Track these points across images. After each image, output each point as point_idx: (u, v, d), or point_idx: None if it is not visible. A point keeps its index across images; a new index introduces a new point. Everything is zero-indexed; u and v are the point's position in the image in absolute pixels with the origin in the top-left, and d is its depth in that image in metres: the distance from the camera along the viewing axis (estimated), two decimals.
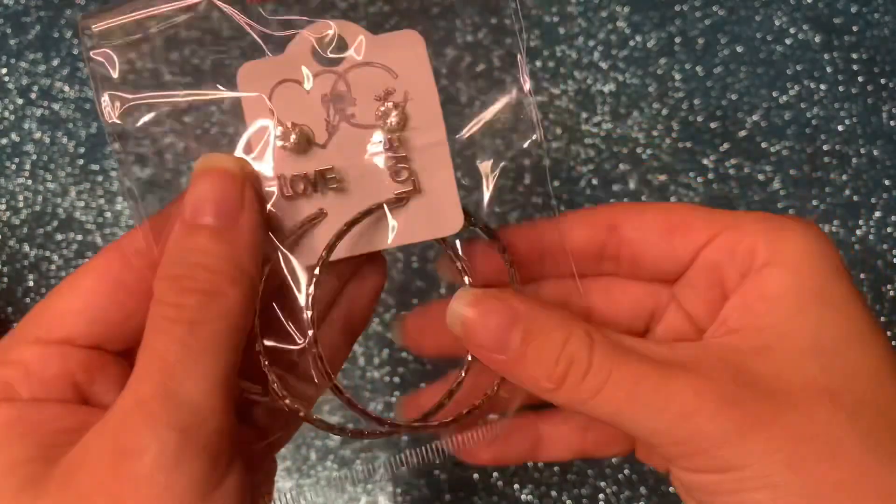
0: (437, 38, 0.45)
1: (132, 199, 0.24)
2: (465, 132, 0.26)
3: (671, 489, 0.41)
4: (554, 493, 0.42)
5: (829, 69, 0.47)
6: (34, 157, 0.45)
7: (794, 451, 0.19)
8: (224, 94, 0.25)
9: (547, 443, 0.27)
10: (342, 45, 0.25)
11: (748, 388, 0.20)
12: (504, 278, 0.26)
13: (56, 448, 0.18)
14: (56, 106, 0.46)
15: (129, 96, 0.24)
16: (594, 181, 0.45)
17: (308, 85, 0.24)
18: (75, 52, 0.46)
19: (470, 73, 0.44)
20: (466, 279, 0.25)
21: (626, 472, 0.42)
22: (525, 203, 0.45)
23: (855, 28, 0.47)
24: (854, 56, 0.47)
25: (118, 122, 0.24)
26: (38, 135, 0.45)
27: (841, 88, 0.47)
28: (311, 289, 0.23)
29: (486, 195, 0.27)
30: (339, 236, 0.23)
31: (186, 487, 0.17)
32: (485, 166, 0.26)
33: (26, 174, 0.45)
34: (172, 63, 0.26)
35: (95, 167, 0.45)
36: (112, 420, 0.18)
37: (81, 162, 0.45)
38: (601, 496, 0.42)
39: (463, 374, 0.26)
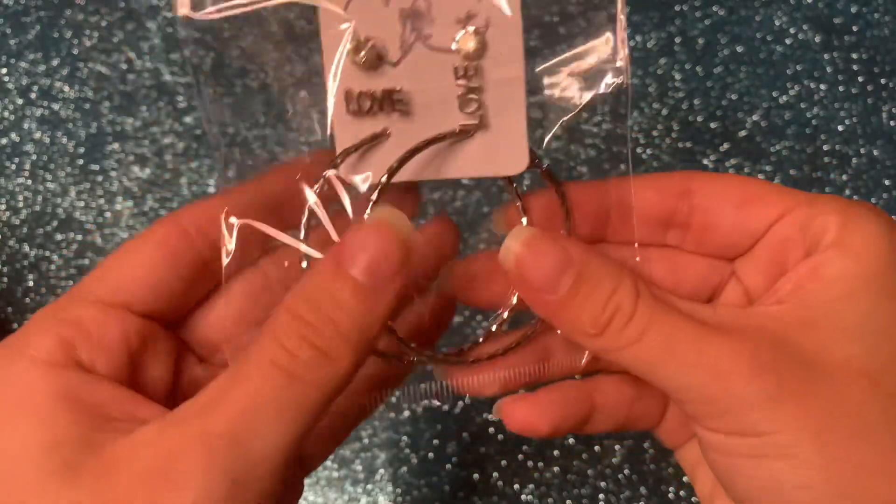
0: None
1: (215, 147, 0.23)
2: (545, 66, 0.25)
3: (671, 489, 0.42)
4: (554, 494, 0.42)
5: (829, 69, 0.47)
6: (34, 157, 0.45)
7: (824, 426, 0.19)
8: None
9: (599, 413, 0.27)
10: None
11: (787, 357, 0.20)
12: (559, 229, 0.25)
13: (101, 433, 0.17)
14: (56, 106, 0.46)
15: None
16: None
17: None
18: (75, 51, 0.46)
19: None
20: (524, 219, 0.25)
21: (626, 472, 0.42)
22: (596, 157, 0.44)
23: (855, 28, 0.47)
24: (854, 56, 0.47)
25: (191, 15, 0.23)
26: (37, 135, 0.45)
27: (841, 88, 0.47)
28: (369, 212, 0.22)
29: (549, 136, 0.25)
30: (402, 161, 0.23)
31: None
32: (560, 105, 0.25)
33: (26, 174, 0.45)
34: None
35: (95, 167, 0.45)
36: (170, 438, 0.17)
37: (81, 162, 0.45)
38: (601, 496, 0.42)
39: (505, 317, 0.26)
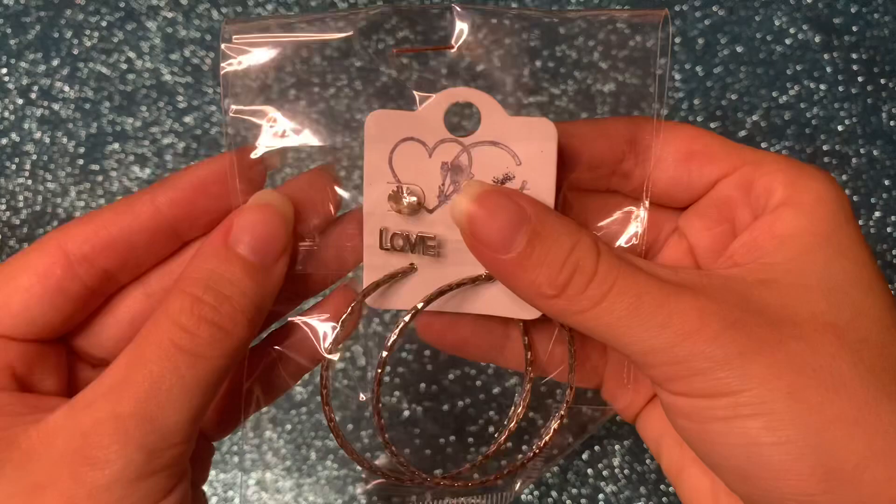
0: (435, 39, 0.45)
1: None
2: None
3: (671, 489, 0.41)
4: (554, 494, 0.42)
5: (828, 69, 0.47)
6: (34, 156, 0.45)
7: (796, 380, 0.19)
8: (351, 141, 0.26)
9: (509, 350, 0.27)
10: (475, 117, 0.24)
11: (753, 315, 0.20)
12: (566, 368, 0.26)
13: (11, 430, 0.18)
14: (56, 106, 0.46)
15: (259, 117, 0.24)
16: None
17: (430, 149, 0.24)
18: (75, 52, 0.46)
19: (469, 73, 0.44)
20: (528, 354, 0.27)
21: (626, 471, 0.42)
22: None
23: (855, 28, 0.47)
24: (854, 56, 0.47)
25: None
26: (38, 135, 0.45)
27: (841, 88, 0.47)
28: (388, 347, 0.25)
29: None
30: (429, 301, 0.24)
31: (140, 499, 0.18)
32: None
33: (26, 174, 0.45)
34: (305, 92, 0.25)
35: (95, 167, 0.45)
36: (83, 421, 0.18)
37: (81, 162, 0.45)
38: (601, 496, 0.42)
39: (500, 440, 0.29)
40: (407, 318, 0.25)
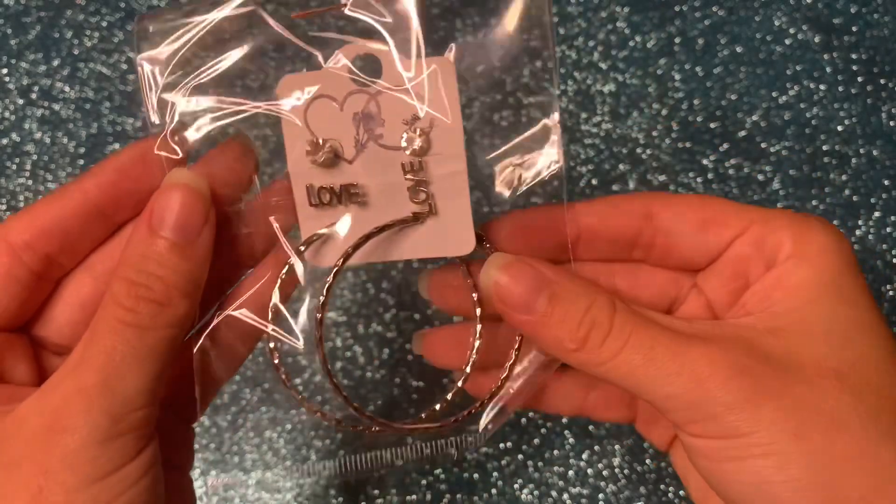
0: (436, 38, 0.45)
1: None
2: (490, 155, 0.27)
3: (671, 489, 0.42)
4: (554, 494, 0.42)
5: (828, 69, 0.47)
6: (35, 157, 0.45)
7: (802, 423, 0.21)
8: (264, 105, 0.26)
9: (550, 394, 0.29)
10: (376, 67, 0.25)
11: (761, 362, 0.22)
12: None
13: None
14: (56, 106, 0.46)
15: (177, 99, 0.25)
16: (594, 181, 0.45)
17: (341, 102, 0.25)
18: (76, 52, 0.46)
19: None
20: (474, 295, 0.27)
21: (626, 471, 0.42)
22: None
23: (854, 28, 0.47)
24: (853, 56, 0.47)
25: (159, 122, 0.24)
26: (38, 135, 0.45)
27: (840, 88, 0.47)
28: (324, 292, 0.26)
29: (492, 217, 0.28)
30: (356, 247, 0.25)
31: (108, 460, 0.19)
32: (503, 189, 0.28)
33: (27, 174, 0.45)
34: (215, 68, 0.26)
35: None
36: (52, 400, 0.20)
37: (82, 162, 0.45)
38: (601, 496, 0.42)
39: (458, 385, 0.28)
40: (340, 262, 0.25)
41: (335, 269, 0.26)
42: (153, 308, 0.20)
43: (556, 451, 0.42)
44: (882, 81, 0.47)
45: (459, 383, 0.28)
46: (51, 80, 0.46)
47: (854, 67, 0.47)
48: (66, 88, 0.46)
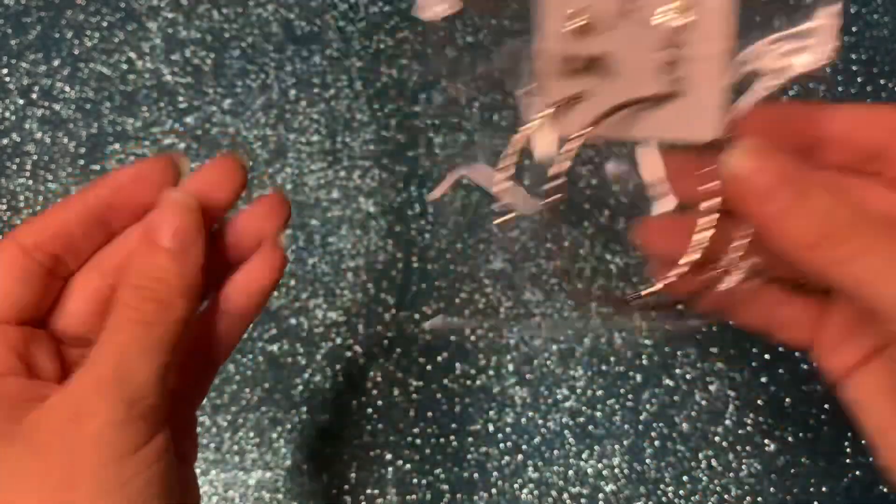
0: (435, 39, 0.45)
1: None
2: (754, 46, 0.26)
3: (670, 489, 0.42)
4: (554, 493, 0.42)
5: (827, 69, 0.47)
6: (35, 157, 0.45)
7: None
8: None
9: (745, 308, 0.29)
10: None
11: None
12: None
13: (19, 410, 0.22)
14: (57, 106, 0.46)
15: None
16: (593, 181, 0.45)
17: None
18: (76, 52, 0.46)
19: (469, 73, 0.45)
20: (714, 183, 0.26)
21: (626, 471, 0.42)
22: None
23: (854, 28, 0.47)
24: (853, 56, 0.47)
25: None
26: (38, 135, 0.46)
27: (840, 89, 0.47)
28: (562, 157, 0.26)
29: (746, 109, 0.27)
30: (603, 117, 0.25)
31: (126, 441, 0.22)
32: (764, 79, 0.27)
33: (27, 174, 0.45)
34: None
35: (96, 167, 0.45)
36: (74, 391, 0.22)
37: (82, 162, 0.45)
38: (601, 495, 0.42)
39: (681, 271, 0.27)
40: (587, 130, 0.26)
41: (579, 136, 0.25)
42: (157, 307, 0.23)
43: (555, 451, 0.42)
44: (882, 82, 0.47)
45: (677, 273, 0.27)
46: (51, 80, 0.46)
47: (854, 68, 0.47)
48: (67, 88, 0.46)
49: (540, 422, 0.43)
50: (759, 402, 0.42)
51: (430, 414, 0.43)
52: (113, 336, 0.23)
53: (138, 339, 0.23)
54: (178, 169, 0.27)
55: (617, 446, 0.42)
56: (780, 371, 0.43)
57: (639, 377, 0.43)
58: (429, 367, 0.43)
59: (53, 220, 0.25)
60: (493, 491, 0.42)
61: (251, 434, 0.42)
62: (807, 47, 0.26)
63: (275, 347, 0.43)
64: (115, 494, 0.21)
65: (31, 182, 0.45)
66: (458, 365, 0.43)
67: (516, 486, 0.42)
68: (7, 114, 0.46)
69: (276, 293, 0.44)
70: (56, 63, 0.46)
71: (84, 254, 0.26)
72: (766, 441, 0.42)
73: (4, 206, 0.45)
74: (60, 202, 0.26)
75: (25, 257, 0.24)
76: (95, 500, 0.21)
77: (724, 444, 0.42)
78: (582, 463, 0.42)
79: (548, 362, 0.43)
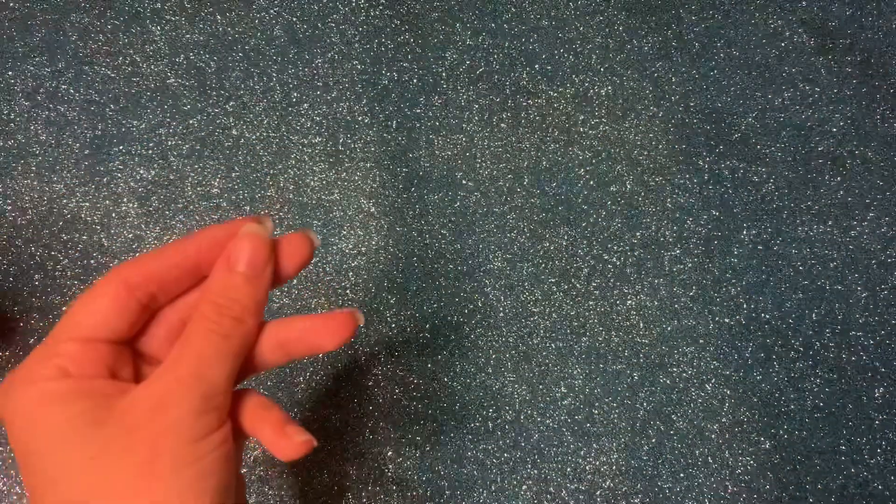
0: (435, 42, 0.46)
1: None
2: None
3: (667, 486, 0.42)
4: (552, 490, 0.42)
5: (823, 72, 0.47)
6: (40, 158, 0.46)
7: None
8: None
9: None
10: None
11: None
12: None
13: (110, 400, 0.26)
14: (62, 108, 0.46)
15: None
16: (591, 182, 0.45)
17: None
18: (81, 54, 0.47)
19: (469, 76, 0.45)
20: None
21: (623, 467, 0.42)
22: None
23: (849, 31, 0.48)
24: (848, 59, 0.47)
25: None
26: (43, 136, 0.46)
27: (835, 91, 0.47)
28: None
29: None
30: None
31: (201, 427, 0.26)
32: None
33: (32, 175, 0.45)
34: None
35: (101, 168, 0.45)
36: (157, 386, 0.26)
37: (87, 163, 0.45)
38: (598, 492, 0.42)
39: None
40: None
41: None
42: (233, 321, 0.28)
43: (554, 448, 0.42)
44: (876, 84, 0.47)
45: None
46: (56, 82, 0.46)
47: (848, 70, 0.47)
48: (72, 91, 0.46)
49: (538, 419, 0.43)
50: (754, 400, 0.43)
51: (430, 412, 0.43)
52: (192, 342, 0.27)
53: (215, 346, 0.27)
54: (266, 228, 0.31)
55: (614, 443, 0.42)
56: (776, 370, 0.43)
57: (636, 375, 0.43)
58: (429, 366, 0.43)
59: (156, 265, 0.29)
60: (493, 487, 0.42)
61: None
62: None
63: None
64: (190, 468, 0.25)
65: (36, 183, 0.45)
66: (457, 363, 0.43)
67: (515, 482, 0.42)
68: (13, 115, 0.46)
69: (278, 293, 0.44)
70: (61, 65, 0.47)
71: (174, 294, 0.30)
72: (762, 439, 0.42)
73: (10, 207, 0.45)
74: (162, 248, 0.30)
75: (128, 294, 0.28)
76: (174, 471, 0.25)
77: (720, 441, 0.42)
78: (580, 460, 0.42)
79: (546, 361, 0.43)
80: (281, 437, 0.29)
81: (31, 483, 0.26)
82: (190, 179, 0.45)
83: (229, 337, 0.28)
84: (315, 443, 0.29)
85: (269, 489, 0.42)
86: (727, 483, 0.42)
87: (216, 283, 0.29)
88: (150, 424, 0.26)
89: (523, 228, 0.44)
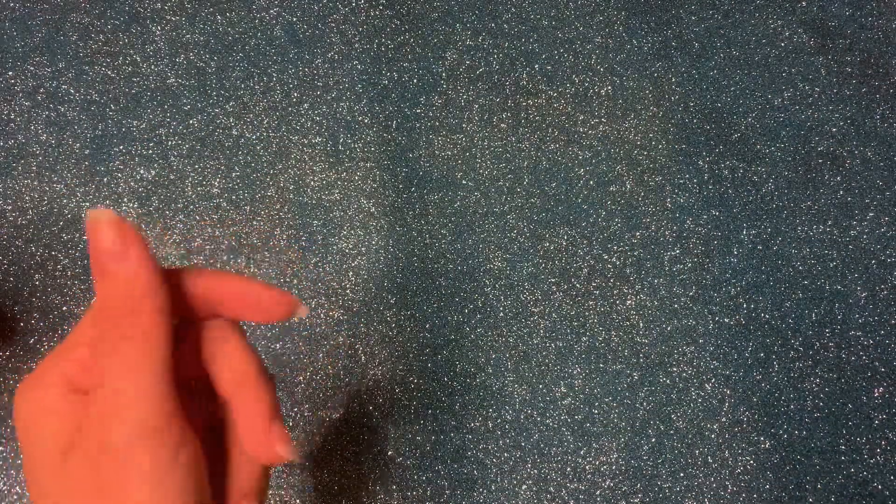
0: (435, 42, 0.46)
1: None
2: None
3: (667, 485, 0.42)
4: (552, 489, 0.42)
5: (822, 71, 0.47)
6: (40, 158, 0.46)
7: None
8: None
9: None
10: None
11: None
12: None
13: None
14: (62, 108, 0.46)
15: None
16: (591, 182, 0.45)
17: None
18: (81, 54, 0.47)
19: (469, 76, 0.45)
20: None
21: (623, 467, 0.42)
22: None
23: (848, 31, 0.48)
24: (847, 59, 0.47)
25: None
26: (44, 136, 0.46)
27: (834, 90, 0.47)
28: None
29: None
30: None
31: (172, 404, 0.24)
32: None
33: (33, 175, 0.45)
34: None
35: (101, 168, 0.45)
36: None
37: (87, 163, 0.45)
38: (598, 492, 0.42)
39: None
40: None
41: None
42: (130, 320, 0.25)
43: (554, 448, 0.43)
44: (875, 83, 0.47)
45: None
46: (56, 82, 0.46)
47: (848, 69, 0.47)
48: (72, 91, 0.46)
49: (539, 419, 0.43)
50: (754, 399, 0.43)
51: (430, 411, 0.43)
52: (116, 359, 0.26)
53: (129, 356, 0.26)
54: (295, 312, 0.29)
55: (614, 443, 0.43)
56: (775, 370, 0.43)
57: (636, 375, 0.43)
58: (429, 365, 0.43)
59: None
60: (493, 487, 0.42)
61: None
62: None
63: (278, 346, 0.44)
64: (164, 483, 0.25)
65: (36, 183, 0.45)
66: (457, 363, 0.43)
67: (515, 482, 0.42)
68: (13, 115, 0.46)
69: None
70: (61, 65, 0.47)
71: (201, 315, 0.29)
72: (762, 438, 0.42)
73: (10, 207, 0.45)
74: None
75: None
76: (151, 489, 0.24)
77: (720, 440, 0.42)
78: (580, 459, 0.42)
79: (546, 360, 0.43)
80: (261, 434, 0.26)
81: (28, 485, 0.26)
82: (190, 179, 0.45)
83: (133, 338, 0.25)
84: (297, 460, 0.27)
85: (268, 489, 0.42)
86: (727, 483, 0.42)
87: (96, 304, 0.26)
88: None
89: (523, 228, 0.44)
